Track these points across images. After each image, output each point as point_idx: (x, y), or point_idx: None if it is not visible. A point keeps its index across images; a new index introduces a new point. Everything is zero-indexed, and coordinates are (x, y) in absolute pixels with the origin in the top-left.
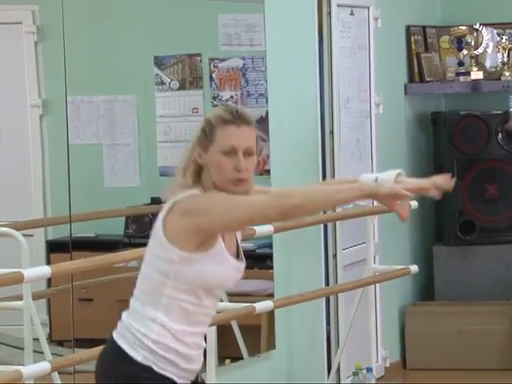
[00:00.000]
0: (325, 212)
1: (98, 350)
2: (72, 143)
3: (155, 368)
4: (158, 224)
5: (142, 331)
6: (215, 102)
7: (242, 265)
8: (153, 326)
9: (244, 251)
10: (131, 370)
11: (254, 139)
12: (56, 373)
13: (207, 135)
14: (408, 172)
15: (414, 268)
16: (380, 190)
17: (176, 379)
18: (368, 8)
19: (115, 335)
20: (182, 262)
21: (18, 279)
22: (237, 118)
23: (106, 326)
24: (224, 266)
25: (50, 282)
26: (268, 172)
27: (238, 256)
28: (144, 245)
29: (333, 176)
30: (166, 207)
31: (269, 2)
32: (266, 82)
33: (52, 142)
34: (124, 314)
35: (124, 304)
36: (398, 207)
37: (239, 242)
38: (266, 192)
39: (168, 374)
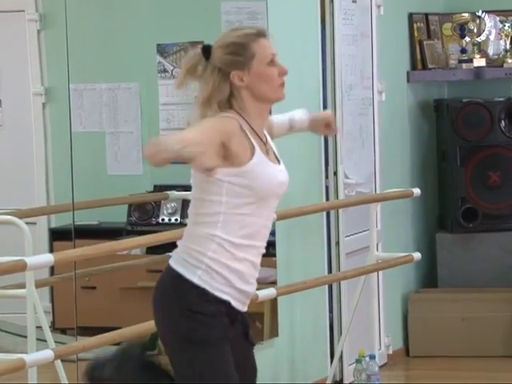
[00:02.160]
0: (327, 199)
1: (101, 337)
2: (75, 131)
3: (210, 290)
4: None
5: (198, 249)
6: None
7: (283, 167)
8: (209, 244)
9: None
10: (187, 293)
11: None
12: (59, 361)
13: (243, 55)
14: (410, 159)
15: (417, 255)
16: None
17: (232, 301)
18: None
19: (171, 261)
20: (229, 178)
21: (21, 267)
22: (260, 31)
23: (109, 314)
24: (270, 171)
25: (52, 269)
26: None
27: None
28: (146, 232)
29: (335, 166)
30: None
31: None
32: None
33: (55, 129)
34: (179, 242)
35: (127, 292)
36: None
37: (274, 148)
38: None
39: (224, 296)
